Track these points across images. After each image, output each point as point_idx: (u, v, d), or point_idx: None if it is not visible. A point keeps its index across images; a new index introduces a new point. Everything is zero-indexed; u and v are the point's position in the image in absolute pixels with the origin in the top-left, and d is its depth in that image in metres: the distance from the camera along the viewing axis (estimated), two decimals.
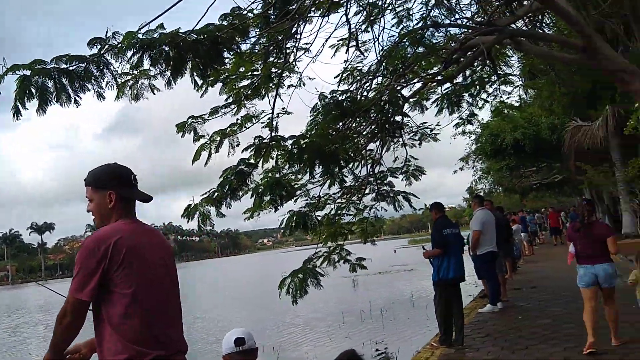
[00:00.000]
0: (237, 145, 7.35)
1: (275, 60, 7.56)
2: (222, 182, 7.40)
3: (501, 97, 11.24)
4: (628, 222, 22.19)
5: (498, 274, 11.09)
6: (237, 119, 7.37)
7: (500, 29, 7.28)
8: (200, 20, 5.35)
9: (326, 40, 8.25)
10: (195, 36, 5.49)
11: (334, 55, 10.42)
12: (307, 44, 8.94)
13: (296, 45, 8.58)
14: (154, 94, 6.20)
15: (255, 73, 7.12)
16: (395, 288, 22.66)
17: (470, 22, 8.66)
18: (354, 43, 10.25)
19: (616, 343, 6.75)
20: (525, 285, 13.41)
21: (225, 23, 6.44)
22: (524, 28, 9.72)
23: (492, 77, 10.59)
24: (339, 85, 10.46)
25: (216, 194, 7.40)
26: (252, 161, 7.58)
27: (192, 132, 7.20)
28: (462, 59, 8.36)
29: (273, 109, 7.52)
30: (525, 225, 23.62)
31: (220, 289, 38.27)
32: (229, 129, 7.24)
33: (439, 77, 8.47)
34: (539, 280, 14.20)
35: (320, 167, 7.94)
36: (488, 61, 10.07)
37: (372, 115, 9.88)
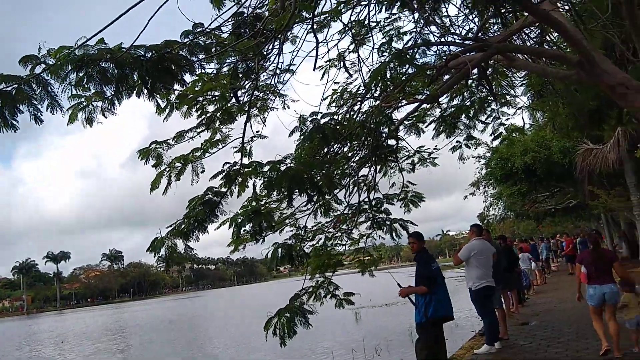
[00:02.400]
0: (202, 172, 6.76)
1: (241, 82, 7.02)
2: (188, 212, 6.82)
3: (500, 118, 10.54)
4: None
5: (497, 309, 10.30)
6: (201, 144, 6.80)
7: (488, 44, 6.70)
8: (139, 34, 4.82)
9: (302, 60, 7.62)
10: (142, 52, 4.97)
11: (322, 77, 9.99)
12: (291, 64, 8.51)
13: (278, 65, 8.12)
14: (105, 117, 5.67)
15: (223, 94, 6.55)
16: (397, 322, 21.86)
17: (460, 38, 8.05)
18: (341, 64, 9.89)
19: (618, 354, 7.85)
20: (531, 320, 12.56)
21: (186, 40, 5.95)
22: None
23: (489, 98, 9.98)
24: (328, 108, 10.02)
25: (182, 226, 6.81)
26: (223, 189, 6.98)
27: (155, 159, 6.66)
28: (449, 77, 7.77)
29: (244, 132, 6.97)
30: (537, 253, 22.64)
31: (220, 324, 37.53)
32: (191, 154, 6.67)
33: (423, 97, 7.86)
34: (545, 314, 13.37)
35: (300, 195, 7.30)
36: (483, 80, 9.53)
37: (362, 139, 9.35)
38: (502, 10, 8.06)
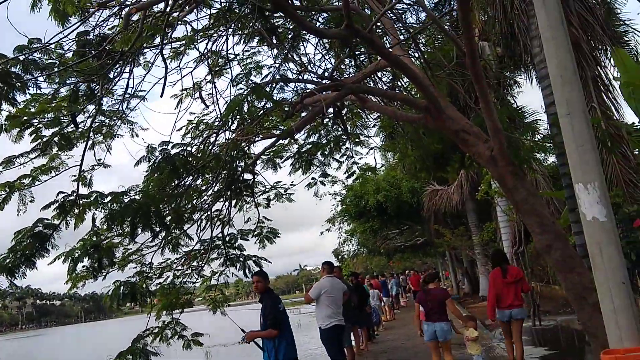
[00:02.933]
0: (31, 202, 6.06)
1: (83, 106, 6.46)
2: (14, 246, 6.07)
3: (353, 157, 10.78)
4: (484, 285, 22.85)
5: (346, 348, 10.30)
6: (31, 170, 6.12)
7: (341, 84, 6.78)
8: None
9: (153, 86, 7.22)
10: None
11: (176, 106, 9.61)
12: (139, 90, 8.06)
13: (127, 90, 7.64)
14: None
15: (57, 117, 5.93)
16: None
17: (317, 77, 8.12)
18: (197, 94, 9.59)
19: None
20: (380, 358, 12.73)
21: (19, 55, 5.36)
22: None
23: (344, 137, 10.17)
24: (183, 139, 9.63)
25: (7, 260, 6.04)
26: (56, 221, 6.31)
27: None
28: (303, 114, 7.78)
29: (82, 159, 6.39)
30: (386, 289, 23.35)
31: None
32: (18, 181, 5.96)
33: (279, 132, 7.79)
34: (394, 352, 13.62)
35: (144, 230, 6.81)
36: (338, 120, 9.70)
37: (216, 172, 9.04)
38: (357, 53, 8.26)
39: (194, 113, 9.84)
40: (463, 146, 7.04)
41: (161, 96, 6.94)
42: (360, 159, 11.06)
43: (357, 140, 10.68)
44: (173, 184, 8.35)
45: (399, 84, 10.29)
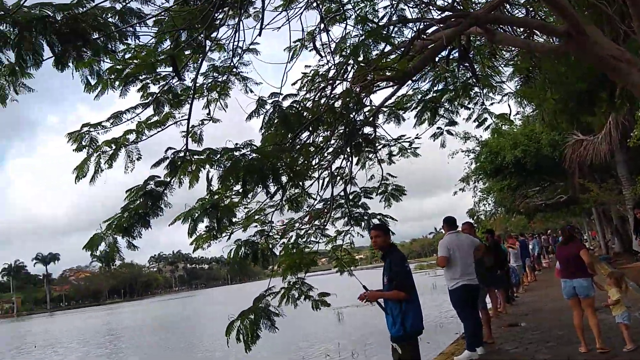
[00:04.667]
0: (138, 159, 5.91)
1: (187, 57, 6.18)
2: (126, 205, 5.99)
3: (484, 104, 9.76)
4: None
5: (481, 310, 9.48)
6: (136, 125, 5.94)
7: (466, 13, 5.92)
8: None
9: (259, 33, 6.76)
10: (49, 12, 4.15)
11: (291, 59, 9.19)
12: (254, 43, 7.71)
13: (239, 44, 7.32)
14: (17, 93, 4.85)
15: (151, 64, 5.66)
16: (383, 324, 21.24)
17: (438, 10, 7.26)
18: (312, 44, 9.11)
19: (599, 348, 7.94)
20: (520, 321, 11.76)
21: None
22: None
23: (473, 82, 9.21)
24: (298, 93, 9.23)
25: (122, 220, 5.98)
26: (167, 179, 6.15)
27: (88, 144, 5.82)
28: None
29: (190, 112, 6.12)
30: (526, 249, 21.86)
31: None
32: (123, 136, 5.81)
33: (393, 72, 7.06)
34: (535, 314, 12.58)
35: (257, 187, 6.49)
36: (466, 63, 8.79)
37: (333, 126, 8.57)
38: None
39: (309, 66, 9.43)
40: (613, 76, 5.95)
41: (259, 34, 6.47)
42: (491, 104, 10.01)
43: (487, 83, 9.65)
44: (288, 140, 8.00)
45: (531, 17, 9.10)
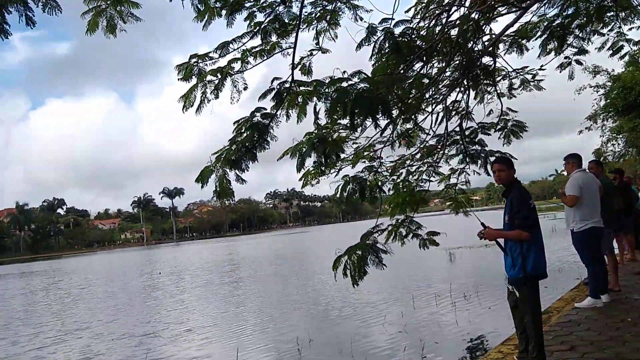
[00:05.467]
0: (245, 89, 5.75)
1: None
2: (234, 137, 5.92)
3: (621, 29, 8.69)
4: None
5: (607, 256, 8.71)
6: (241, 53, 5.75)
7: None
8: None
9: None
10: None
11: None
12: None
13: None
14: (125, 22, 4.82)
15: None
16: (499, 265, 20.53)
17: None
18: None
19: None
20: None
21: None
22: None
23: (608, 3, 8.18)
24: (411, 22, 8.68)
25: (230, 152, 5.94)
26: (274, 111, 5.99)
27: (197, 77, 5.75)
28: None
29: (296, 41, 5.86)
30: None
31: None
32: (227, 65, 5.65)
33: None
34: None
35: (366, 118, 6.18)
36: None
37: (449, 56, 8.00)
38: None
39: None
40: None
41: None
42: (629, 29, 8.90)
43: (627, 4, 8.54)
44: (400, 71, 7.56)
45: None
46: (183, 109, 5.47)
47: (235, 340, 12.16)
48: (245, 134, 5.93)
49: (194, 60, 5.78)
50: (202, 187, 6.16)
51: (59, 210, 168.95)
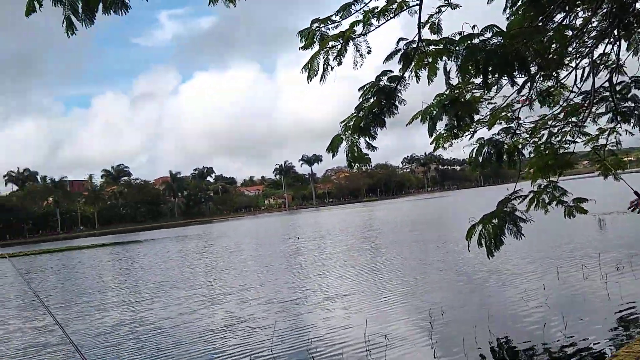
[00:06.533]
0: (369, 53, 5.50)
1: None
2: (360, 104, 5.76)
3: None
4: None
5: None
6: (363, 14, 5.47)
7: None
8: None
9: None
10: None
11: None
12: None
13: None
14: None
15: None
16: None
17: None
18: None
19: None
20: None
21: None
22: None
23: None
24: None
25: (357, 119, 5.80)
26: (401, 73, 5.72)
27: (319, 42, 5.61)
28: None
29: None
30: None
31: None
32: (349, 29, 5.41)
33: None
34: None
35: (500, 76, 5.75)
36: None
37: (594, 3, 7.20)
38: None
39: None
40: None
41: None
42: None
43: None
44: (539, 23, 6.92)
45: None
46: (308, 79, 5.36)
47: (375, 311, 12.07)
48: (372, 100, 5.75)
49: (315, 25, 5.64)
50: (333, 156, 6.12)
51: (209, 178, 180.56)
